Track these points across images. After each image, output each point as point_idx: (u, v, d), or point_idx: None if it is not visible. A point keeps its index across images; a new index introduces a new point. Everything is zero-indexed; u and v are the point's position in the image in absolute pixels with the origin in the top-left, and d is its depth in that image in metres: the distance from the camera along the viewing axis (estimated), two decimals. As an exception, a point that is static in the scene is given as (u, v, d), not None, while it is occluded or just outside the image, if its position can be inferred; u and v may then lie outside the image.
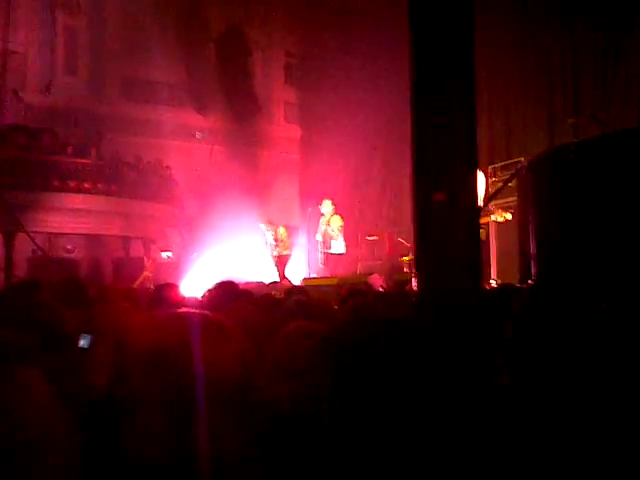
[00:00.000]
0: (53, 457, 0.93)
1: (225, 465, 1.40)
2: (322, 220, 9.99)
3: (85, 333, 1.61)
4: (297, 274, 10.55)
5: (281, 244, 10.19)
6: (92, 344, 1.64)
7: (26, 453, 0.87)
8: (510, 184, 6.90)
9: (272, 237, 10.30)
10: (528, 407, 1.97)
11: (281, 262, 10.19)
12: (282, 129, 16.37)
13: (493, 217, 7.68)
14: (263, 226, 10.57)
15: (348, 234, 10.28)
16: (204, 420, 1.35)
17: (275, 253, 10.27)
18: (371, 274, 8.80)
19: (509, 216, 7.62)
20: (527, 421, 1.93)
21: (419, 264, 2.97)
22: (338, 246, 9.84)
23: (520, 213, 5.69)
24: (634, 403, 1.92)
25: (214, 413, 1.41)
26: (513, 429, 1.90)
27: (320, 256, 10.05)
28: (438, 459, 1.52)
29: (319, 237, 9.94)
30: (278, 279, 9.88)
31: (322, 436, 1.44)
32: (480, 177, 7.46)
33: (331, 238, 9.79)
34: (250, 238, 11.66)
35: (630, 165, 3.90)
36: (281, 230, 10.36)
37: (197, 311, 2.29)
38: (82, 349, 1.64)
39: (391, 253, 11.16)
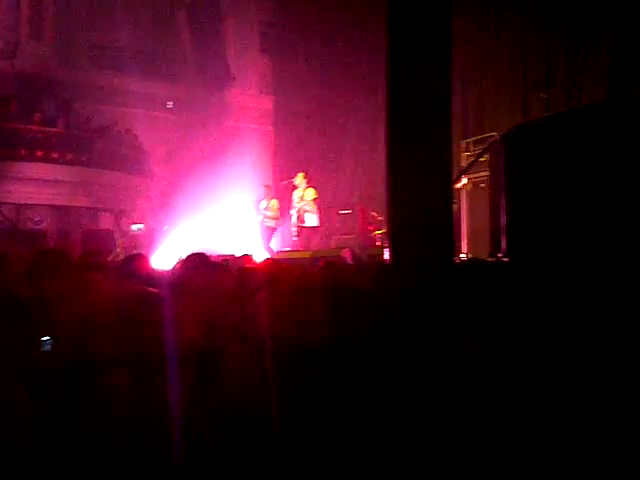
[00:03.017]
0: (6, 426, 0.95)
1: (190, 426, 1.41)
2: (296, 193, 9.93)
3: (47, 338, 1.60)
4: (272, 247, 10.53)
5: (269, 215, 10.05)
6: (54, 347, 1.62)
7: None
8: (482, 158, 6.94)
9: (264, 205, 10.14)
10: (498, 379, 1.99)
11: (265, 233, 10.10)
12: (256, 99, 16.14)
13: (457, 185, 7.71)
14: (261, 190, 10.35)
15: (322, 208, 10.25)
16: (170, 382, 1.35)
17: (261, 221, 10.14)
18: (344, 248, 8.81)
19: (464, 180, 7.70)
20: (497, 394, 1.95)
21: (391, 235, 2.97)
22: (312, 219, 9.81)
23: (491, 187, 5.72)
24: (598, 369, 1.96)
25: (178, 377, 1.41)
26: (483, 402, 1.93)
27: (294, 229, 10.01)
28: (405, 427, 1.53)
29: (293, 210, 9.89)
30: (261, 250, 9.81)
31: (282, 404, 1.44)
32: None
33: (305, 211, 9.74)
34: (225, 209, 11.57)
35: (599, 139, 3.93)
36: (273, 202, 10.22)
37: (153, 291, 2.28)
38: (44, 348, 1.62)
39: (364, 227, 11.19)
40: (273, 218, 10.10)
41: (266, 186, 10.52)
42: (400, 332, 2.03)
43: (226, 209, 11.65)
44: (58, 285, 2.35)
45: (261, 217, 10.12)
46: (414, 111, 2.84)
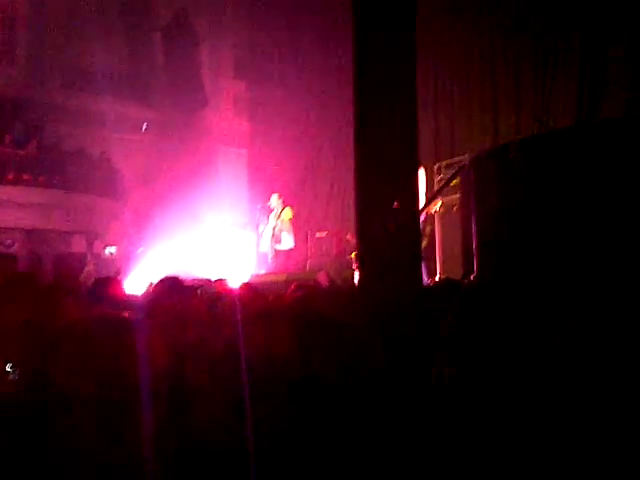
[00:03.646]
0: None
1: (165, 462, 1.39)
2: (272, 215, 9.91)
3: (12, 366, 1.55)
4: (246, 270, 10.48)
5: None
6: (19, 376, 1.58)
7: None
8: (453, 182, 7.03)
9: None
10: (472, 399, 2.01)
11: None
12: (230, 123, 16.18)
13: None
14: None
15: (297, 230, 10.25)
16: (141, 419, 1.33)
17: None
18: (320, 270, 8.81)
19: (439, 203, 7.77)
20: (471, 413, 1.97)
21: (360, 261, 3.01)
22: (288, 241, 9.79)
23: (462, 209, 5.81)
24: (570, 388, 2.00)
25: (149, 411, 1.39)
26: (457, 421, 1.94)
27: (270, 251, 9.96)
28: (382, 448, 1.53)
29: (268, 232, 9.83)
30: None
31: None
32: (421, 174, 7.57)
33: (281, 231, 9.69)
34: (198, 233, 11.51)
35: (568, 162, 4.03)
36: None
37: (118, 315, 2.25)
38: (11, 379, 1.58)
39: (339, 250, 11.22)
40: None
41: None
42: (372, 361, 2.04)
43: (201, 232, 11.60)
44: (24, 310, 2.31)
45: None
46: (381, 139, 2.89)
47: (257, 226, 10.31)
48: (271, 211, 9.94)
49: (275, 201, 9.88)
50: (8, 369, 1.55)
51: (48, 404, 1.31)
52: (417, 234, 3.09)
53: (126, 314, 2.36)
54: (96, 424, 1.32)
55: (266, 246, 9.90)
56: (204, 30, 15.88)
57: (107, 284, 3.45)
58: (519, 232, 4.16)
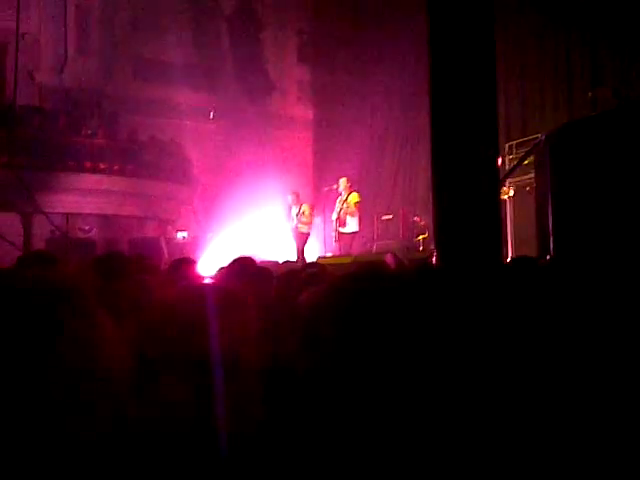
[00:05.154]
0: (116, 388, 0.99)
1: (244, 435, 1.41)
2: (339, 199, 9.95)
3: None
4: (312, 253, 10.57)
5: (303, 220, 10.12)
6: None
7: (98, 384, 0.95)
8: (527, 161, 6.83)
9: (295, 211, 10.24)
10: (548, 381, 1.96)
11: (300, 239, 10.16)
12: (295, 109, 16.28)
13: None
14: (290, 198, 10.46)
15: (363, 214, 10.24)
16: (222, 389, 1.35)
17: (295, 228, 10.22)
18: (387, 253, 8.78)
19: (511, 192, 7.60)
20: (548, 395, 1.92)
21: (439, 241, 2.95)
22: (352, 223, 9.80)
23: (537, 189, 5.62)
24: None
25: (232, 382, 1.41)
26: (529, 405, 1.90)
27: (333, 234, 10.02)
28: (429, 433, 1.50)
29: (334, 215, 9.90)
30: (296, 257, 9.89)
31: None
32: None
33: (346, 214, 9.74)
34: (266, 217, 11.66)
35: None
36: (305, 207, 10.28)
37: (213, 283, 2.28)
38: None
39: (406, 232, 11.14)
40: (306, 223, 10.14)
41: (294, 192, 10.55)
42: (449, 335, 2.02)
43: (267, 216, 11.76)
44: (123, 286, 2.41)
45: (294, 224, 10.17)
46: (459, 118, 2.83)
47: (323, 209, 10.35)
48: (339, 195, 9.98)
49: (343, 185, 9.90)
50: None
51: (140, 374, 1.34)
52: (497, 211, 3.01)
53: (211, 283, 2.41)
54: (181, 392, 1.34)
55: (331, 229, 10.01)
56: (267, 18, 16.00)
57: (183, 264, 3.56)
58: (600, 211, 3.99)
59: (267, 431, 1.50)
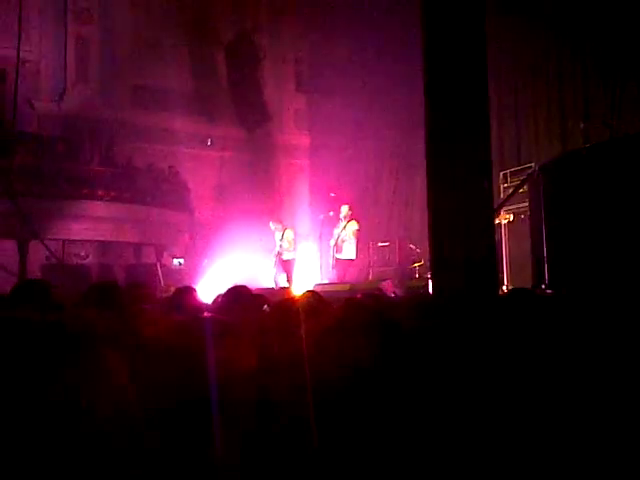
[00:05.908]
0: (124, 433, 0.99)
1: (244, 469, 1.42)
2: (338, 225, 10.00)
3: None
4: (309, 280, 10.57)
5: (285, 247, 10.18)
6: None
7: (107, 426, 0.95)
8: (521, 190, 6.90)
9: (279, 238, 10.30)
10: (553, 412, 1.97)
11: (285, 266, 10.18)
12: (292, 137, 16.42)
13: (497, 220, 7.66)
14: (272, 225, 10.55)
15: (359, 240, 10.28)
16: (219, 422, 1.36)
17: (278, 255, 10.26)
18: (383, 280, 8.80)
19: (511, 217, 7.67)
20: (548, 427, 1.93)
21: (434, 269, 2.98)
22: (349, 251, 9.84)
23: (532, 218, 5.68)
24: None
25: (229, 416, 1.42)
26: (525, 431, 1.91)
27: (331, 261, 10.04)
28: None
29: (332, 242, 9.95)
30: (280, 284, 9.90)
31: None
32: None
33: (344, 241, 9.79)
34: (261, 244, 11.69)
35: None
36: (288, 232, 10.35)
37: (213, 316, 2.29)
38: None
39: (402, 259, 11.17)
40: (289, 249, 10.18)
41: (276, 219, 10.64)
42: (447, 367, 2.03)
43: (263, 243, 11.78)
44: (110, 317, 2.41)
45: (277, 251, 10.22)
46: (454, 147, 2.88)
47: (320, 236, 10.39)
48: (337, 221, 10.04)
49: (345, 212, 9.97)
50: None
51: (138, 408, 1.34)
52: (492, 241, 3.05)
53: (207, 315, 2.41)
54: (176, 428, 1.34)
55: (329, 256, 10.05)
56: (265, 47, 16.23)
57: (185, 293, 3.58)
58: (594, 240, 4.04)
59: (261, 460, 1.50)
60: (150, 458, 1.31)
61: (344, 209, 9.96)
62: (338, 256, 9.85)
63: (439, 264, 2.92)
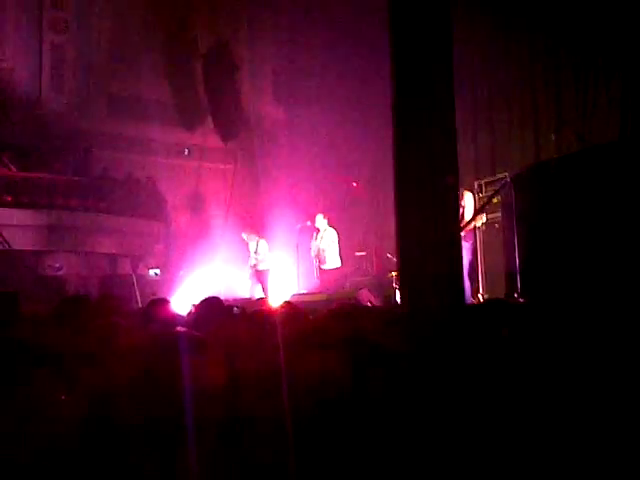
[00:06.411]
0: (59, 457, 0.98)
1: None
2: (315, 235, 10.00)
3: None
4: (286, 290, 10.55)
5: (259, 258, 10.15)
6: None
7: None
8: (495, 199, 6.98)
9: (253, 249, 10.27)
10: (529, 424, 1.99)
11: (260, 277, 10.15)
12: (270, 146, 16.39)
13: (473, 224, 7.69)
14: (245, 235, 10.52)
15: (341, 247, 10.28)
16: (193, 448, 1.34)
17: (253, 266, 10.23)
18: (360, 289, 8.82)
19: (484, 219, 7.75)
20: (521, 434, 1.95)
21: (401, 280, 3.01)
22: (333, 260, 9.84)
23: (504, 227, 5.75)
24: (626, 411, 1.96)
25: (200, 431, 1.40)
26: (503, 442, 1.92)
27: (315, 271, 10.02)
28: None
29: (313, 252, 9.93)
30: (255, 296, 9.88)
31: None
32: (468, 198, 7.56)
33: (324, 251, 9.80)
34: (237, 254, 11.64)
35: (611, 178, 3.97)
36: (262, 243, 10.32)
37: (185, 330, 2.27)
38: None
39: (379, 269, 11.22)
40: (263, 260, 10.16)
41: (248, 229, 10.62)
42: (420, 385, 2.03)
43: (239, 254, 11.75)
44: (82, 332, 2.38)
45: (252, 262, 10.18)
46: (421, 157, 2.92)
47: (297, 246, 10.38)
48: (315, 231, 10.04)
49: (319, 221, 9.97)
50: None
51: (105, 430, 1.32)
52: (458, 251, 3.08)
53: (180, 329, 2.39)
54: (147, 456, 1.32)
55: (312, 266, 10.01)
56: (242, 57, 16.23)
57: (158, 305, 3.56)
58: (563, 250, 4.10)
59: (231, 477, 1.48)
60: (122, 473, 1.29)
61: (318, 218, 9.98)
62: (323, 267, 9.84)
63: (404, 275, 2.95)
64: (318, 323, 3.23)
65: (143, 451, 1.30)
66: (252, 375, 1.93)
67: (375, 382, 1.88)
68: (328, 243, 9.82)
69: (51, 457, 1.00)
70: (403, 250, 2.98)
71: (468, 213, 7.17)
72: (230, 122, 15.01)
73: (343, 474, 1.51)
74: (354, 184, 10.42)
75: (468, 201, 7.51)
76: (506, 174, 8.21)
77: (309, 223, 10.23)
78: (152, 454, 1.30)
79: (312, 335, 2.37)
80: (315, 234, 10.00)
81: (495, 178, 9.01)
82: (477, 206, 8.11)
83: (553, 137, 8.12)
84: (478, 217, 7.63)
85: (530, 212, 4.44)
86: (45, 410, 1.04)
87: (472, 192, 8.09)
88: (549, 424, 2.02)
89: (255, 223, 12.03)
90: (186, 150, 15.41)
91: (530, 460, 1.84)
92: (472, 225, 7.24)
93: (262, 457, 1.56)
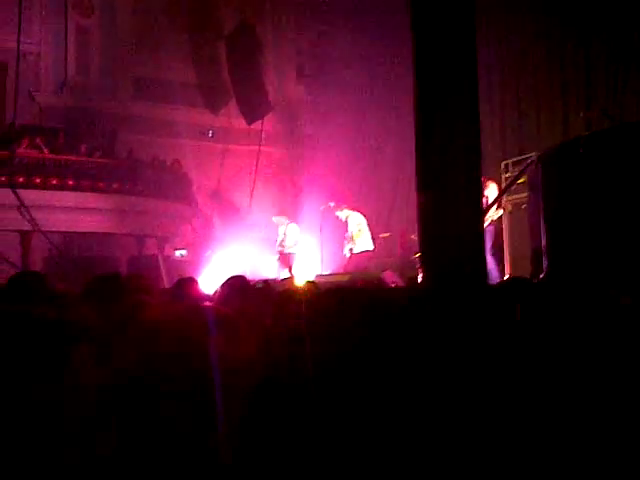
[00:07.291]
0: (91, 434, 1.01)
1: (244, 453, 1.44)
2: (343, 218, 9.98)
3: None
4: (310, 271, 10.59)
5: (290, 242, 10.19)
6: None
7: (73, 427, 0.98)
8: (521, 180, 6.88)
9: (282, 232, 10.31)
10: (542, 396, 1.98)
11: (287, 260, 10.19)
12: (292, 127, 16.37)
13: (491, 214, 7.58)
14: (275, 219, 10.57)
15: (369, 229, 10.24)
16: (221, 407, 1.38)
17: (280, 249, 10.28)
18: (384, 271, 8.80)
19: (500, 212, 7.68)
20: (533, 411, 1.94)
21: (424, 261, 3.00)
22: (363, 243, 9.82)
23: (530, 208, 5.68)
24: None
25: (231, 401, 1.44)
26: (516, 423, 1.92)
27: (346, 253, 10.00)
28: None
29: (345, 249, 9.90)
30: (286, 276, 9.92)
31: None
32: (492, 189, 7.46)
33: (352, 236, 9.78)
34: (264, 235, 11.71)
35: (639, 156, 3.89)
36: (292, 226, 10.35)
37: (213, 305, 2.32)
38: None
39: (404, 250, 11.16)
40: (292, 244, 10.17)
41: (279, 214, 10.64)
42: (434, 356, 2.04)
43: (266, 234, 11.80)
44: (116, 309, 2.44)
45: (280, 245, 10.21)
46: (443, 140, 2.89)
47: (321, 228, 10.38)
48: (337, 220, 10.01)
49: (338, 212, 9.93)
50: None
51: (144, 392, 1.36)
52: (480, 234, 3.06)
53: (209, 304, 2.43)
54: (181, 413, 1.37)
55: (344, 249, 9.99)
56: (266, 38, 16.17)
57: (187, 284, 3.61)
58: (590, 230, 4.04)
59: (261, 443, 1.52)
60: (151, 443, 1.34)
61: (336, 211, 9.89)
62: (354, 251, 9.82)
63: (427, 256, 2.94)
64: (339, 293, 3.24)
65: (177, 410, 1.35)
66: (276, 342, 1.98)
67: (391, 340, 1.89)
68: (354, 227, 9.79)
69: (91, 425, 1.04)
70: (425, 231, 2.98)
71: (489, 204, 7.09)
72: (254, 104, 15.00)
73: (365, 438, 1.53)
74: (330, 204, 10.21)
75: (492, 192, 7.43)
76: (533, 153, 8.09)
77: (332, 204, 10.20)
78: (185, 415, 1.34)
79: (334, 305, 2.40)
80: (340, 217, 9.98)
81: (522, 157, 8.88)
82: (503, 186, 8.02)
83: (582, 115, 7.94)
84: (494, 211, 7.54)
85: (557, 191, 4.38)
86: (84, 382, 1.08)
87: (497, 182, 7.98)
88: (558, 408, 2.01)
89: (285, 207, 12.06)
90: (210, 132, 15.47)
91: (543, 446, 1.84)
92: (488, 218, 7.10)
93: (287, 420, 1.59)
